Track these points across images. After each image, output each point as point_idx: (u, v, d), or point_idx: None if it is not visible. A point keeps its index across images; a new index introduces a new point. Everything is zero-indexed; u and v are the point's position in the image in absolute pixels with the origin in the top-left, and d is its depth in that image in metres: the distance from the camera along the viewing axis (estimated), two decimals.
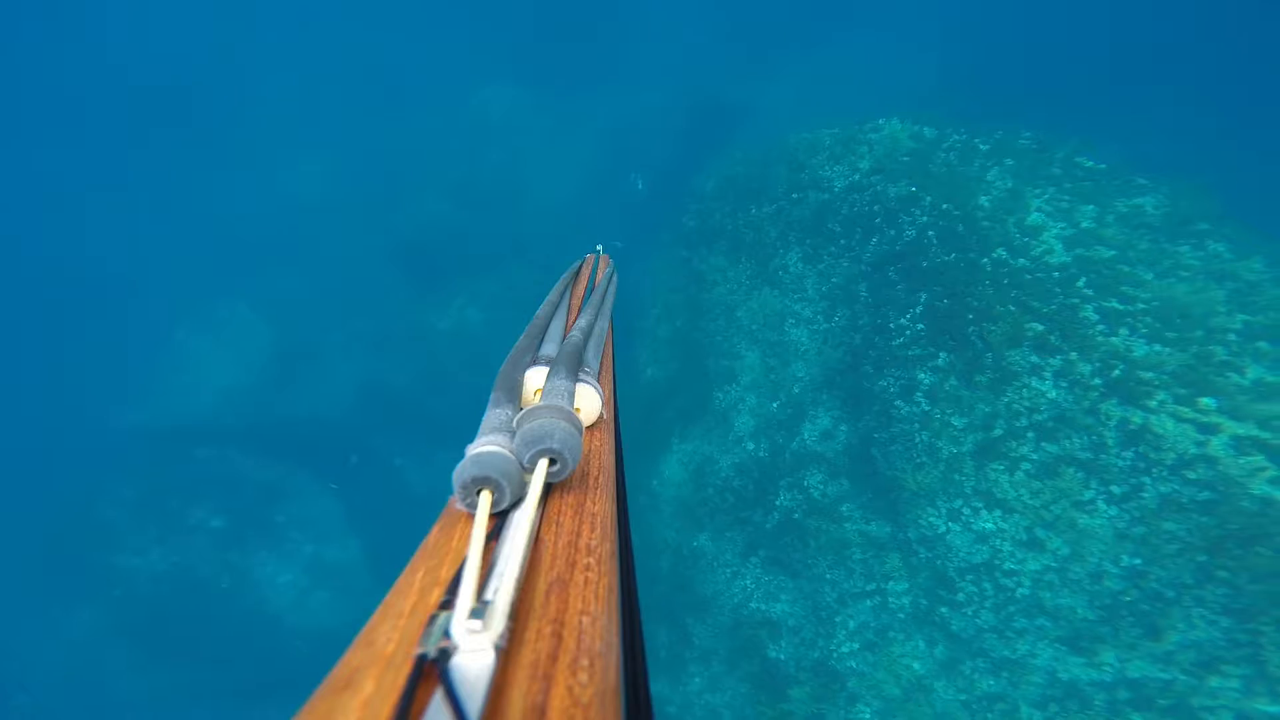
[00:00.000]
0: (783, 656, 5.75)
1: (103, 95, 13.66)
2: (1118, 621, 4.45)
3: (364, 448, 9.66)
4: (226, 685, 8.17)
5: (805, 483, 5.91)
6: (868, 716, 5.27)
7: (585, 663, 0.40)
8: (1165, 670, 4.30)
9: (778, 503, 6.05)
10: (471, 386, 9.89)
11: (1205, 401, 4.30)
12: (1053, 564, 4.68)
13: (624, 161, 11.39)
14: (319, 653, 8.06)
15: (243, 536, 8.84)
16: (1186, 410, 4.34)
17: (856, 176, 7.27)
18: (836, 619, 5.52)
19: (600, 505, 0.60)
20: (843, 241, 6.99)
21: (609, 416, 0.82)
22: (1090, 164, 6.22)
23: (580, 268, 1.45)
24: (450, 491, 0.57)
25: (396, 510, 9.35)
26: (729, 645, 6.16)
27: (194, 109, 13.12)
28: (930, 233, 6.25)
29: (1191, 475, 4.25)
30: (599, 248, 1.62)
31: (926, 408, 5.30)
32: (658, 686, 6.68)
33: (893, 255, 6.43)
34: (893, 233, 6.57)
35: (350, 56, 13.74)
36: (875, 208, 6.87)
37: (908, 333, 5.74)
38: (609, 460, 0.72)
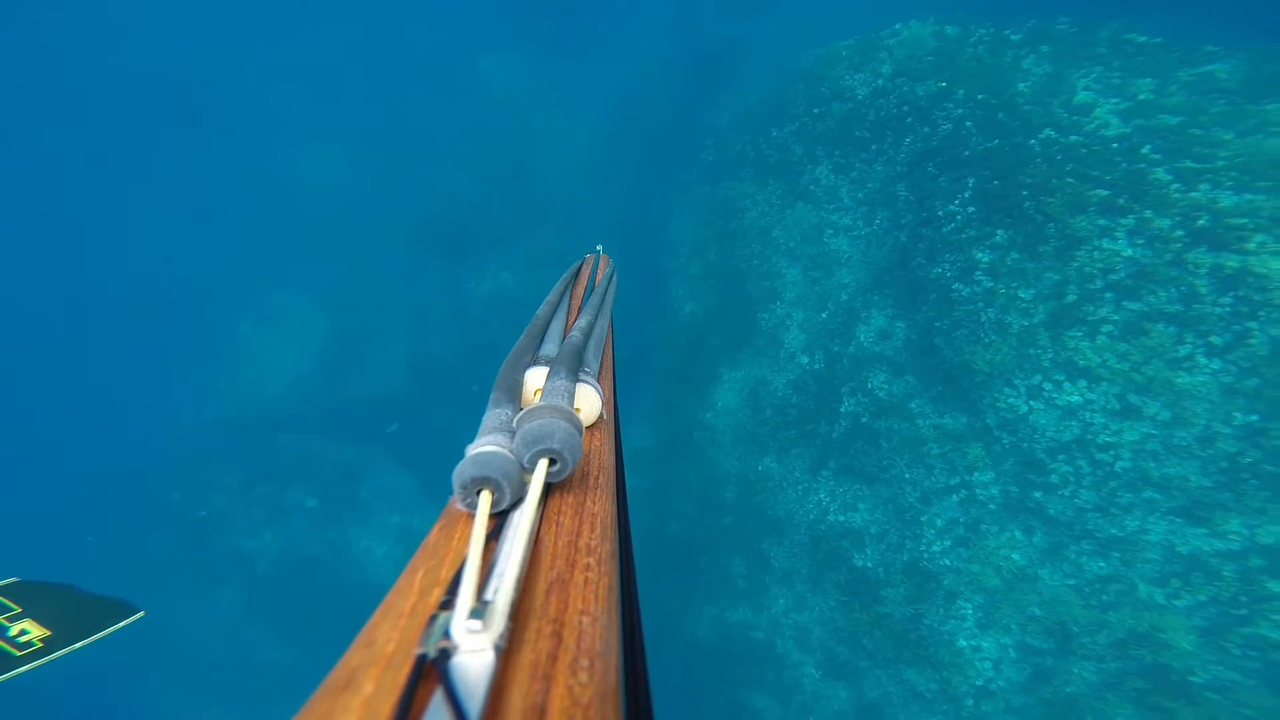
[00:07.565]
0: (870, 564, 5.70)
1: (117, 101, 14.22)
2: (1239, 486, 4.11)
3: (421, 421, 9.97)
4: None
5: (869, 385, 5.80)
6: (970, 611, 5.15)
7: (585, 663, 0.40)
8: None
9: (842, 410, 5.96)
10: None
11: None
12: (1153, 431, 4.38)
13: (631, 112, 11.24)
14: None
15: (336, 514, 9.43)
16: None
17: (880, 81, 6.98)
18: (922, 519, 5.42)
19: (600, 505, 0.61)
20: (874, 147, 6.76)
21: (609, 416, 0.83)
22: (1142, 39, 5.83)
23: (580, 268, 1.47)
24: (450, 491, 0.58)
25: None
26: (810, 562, 6.14)
27: (210, 104, 13.54)
28: (968, 123, 5.97)
29: None
30: (599, 248, 1.63)
31: (989, 284, 5.11)
32: (738, 615, 6.72)
33: (929, 151, 6.19)
34: (927, 130, 6.31)
35: (352, 44, 13.96)
36: (904, 109, 6.60)
37: (958, 218, 5.53)
38: (609, 460, 0.73)
